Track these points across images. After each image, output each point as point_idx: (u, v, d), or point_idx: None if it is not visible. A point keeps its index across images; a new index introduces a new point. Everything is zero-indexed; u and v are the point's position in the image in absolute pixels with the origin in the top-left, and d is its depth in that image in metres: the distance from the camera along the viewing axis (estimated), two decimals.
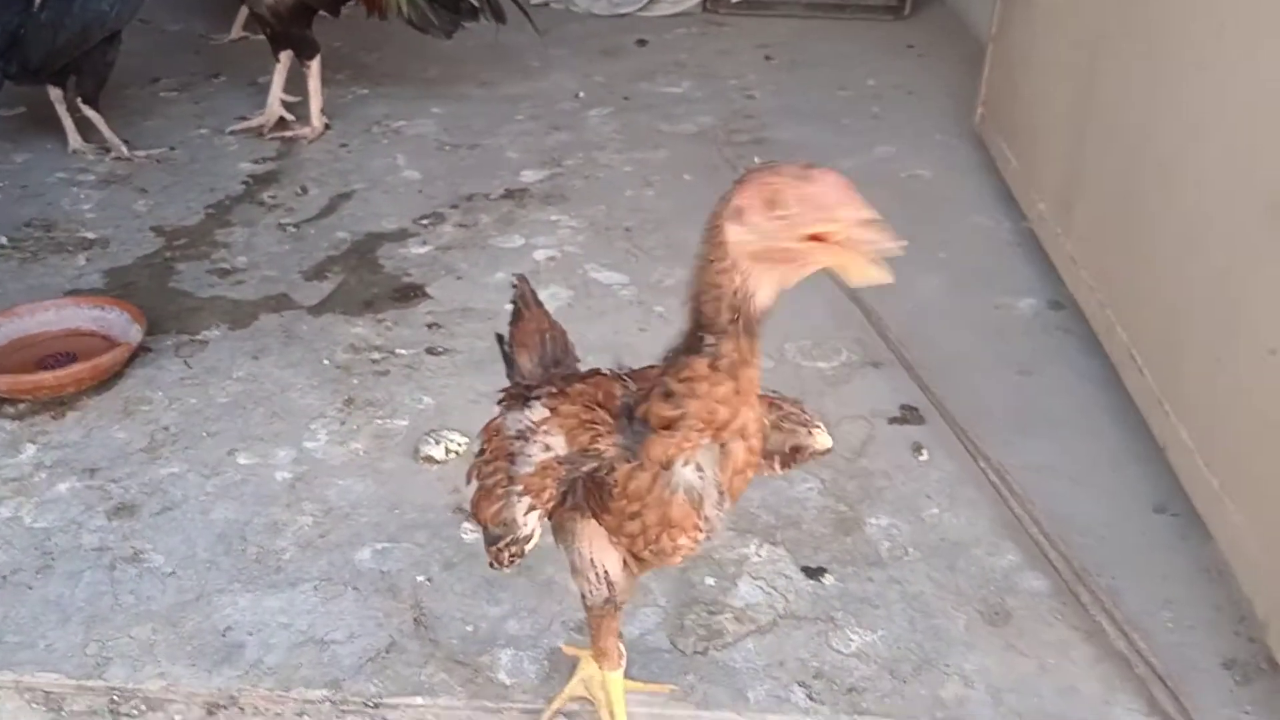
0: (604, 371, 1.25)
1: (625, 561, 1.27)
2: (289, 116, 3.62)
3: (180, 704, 1.59)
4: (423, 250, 2.86)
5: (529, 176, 3.29)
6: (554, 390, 1.23)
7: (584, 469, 1.16)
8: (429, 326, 2.50)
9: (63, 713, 1.59)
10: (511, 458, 1.20)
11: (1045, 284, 2.61)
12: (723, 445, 1.12)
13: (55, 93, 3.35)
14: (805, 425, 1.28)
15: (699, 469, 1.13)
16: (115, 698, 1.59)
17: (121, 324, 2.39)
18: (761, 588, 1.78)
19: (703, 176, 3.26)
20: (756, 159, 3.30)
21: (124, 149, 3.38)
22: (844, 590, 1.77)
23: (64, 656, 1.64)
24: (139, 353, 2.37)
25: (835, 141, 3.49)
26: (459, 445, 2.08)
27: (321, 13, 3.55)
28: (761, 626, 1.70)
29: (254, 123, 3.62)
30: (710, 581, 1.79)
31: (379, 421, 2.18)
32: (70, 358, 2.30)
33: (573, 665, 1.59)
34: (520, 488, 1.17)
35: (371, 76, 4.13)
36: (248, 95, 3.90)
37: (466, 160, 3.42)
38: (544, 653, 1.66)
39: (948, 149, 3.40)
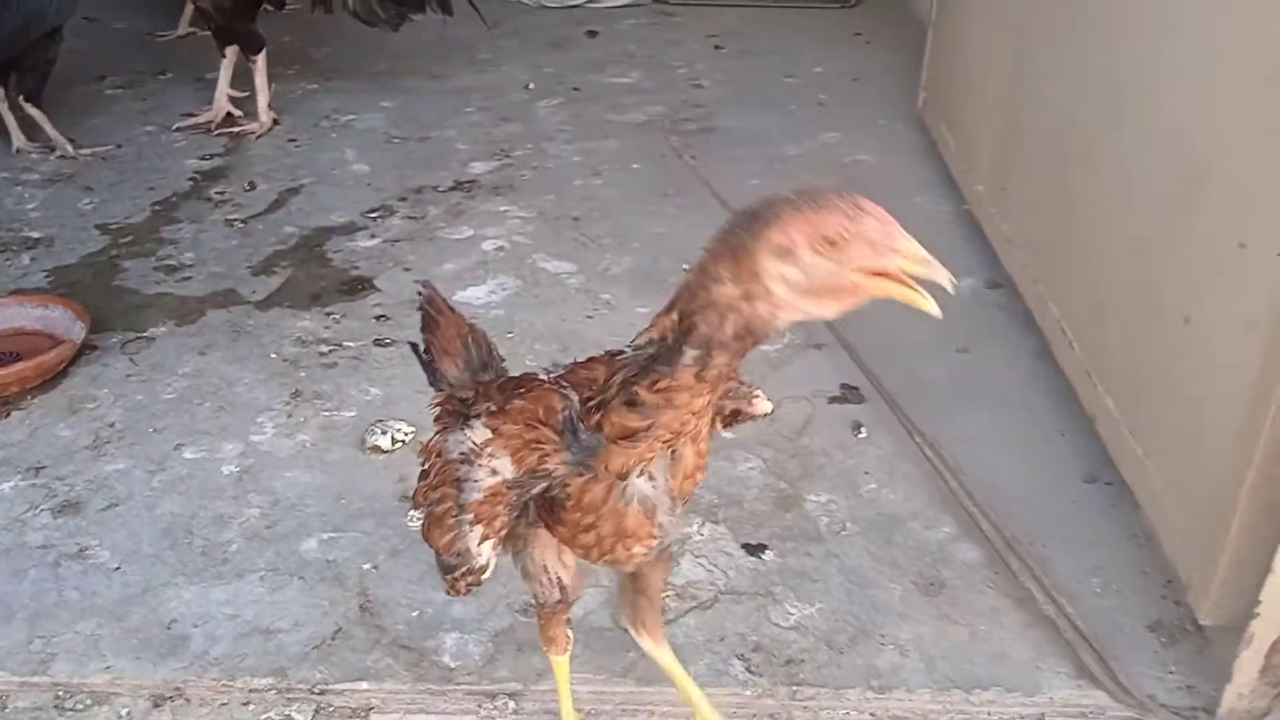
0: (539, 377, 1.21)
1: (576, 564, 1.26)
2: (236, 112, 3.61)
3: (126, 697, 1.60)
4: (371, 243, 2.86)
5: (478, 168, 3.30)
6: (493, 409, 1.19)
7: (534, 491, 1.14)
8: (377, 319, 2.52)
9: (7, 710, 1.59)
10: (459, 484, 1.16)
11: (983, 264, 2.66)
12: (673, 451, 1.11)
13: None
14: (746, 397, 1.30)
15: (651, 478, 1.13)
16: (60, 693, 1.60)
17: (65, 322, 2.38)
18: (703, 565, 1.81)
19: (651, 165, 3.29)
20: (697, 156, 3.33)
21: (69, 147, 3.35)
22: (783, 565, 1.81)
23: (7, 654, 1.65)
24: (84, 351, 2.36)
25: (782, 128, 3.53)
26: (406, 435, 2.09)
27: (267, 6, 3.54)
28: (702, 603, 1.74)
29: (201, 119, 3.60)
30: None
31: (326, 413, 2.19)
32: (14, 356, 2.29)
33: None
34: (471, 516, 1.14)
35: (320, 71, 4.12)
36: (195, 92, 3.88)
37: (415, 153, 3.43)
38: (489, 635, 1.68)
39: (891, 134, 3.45)
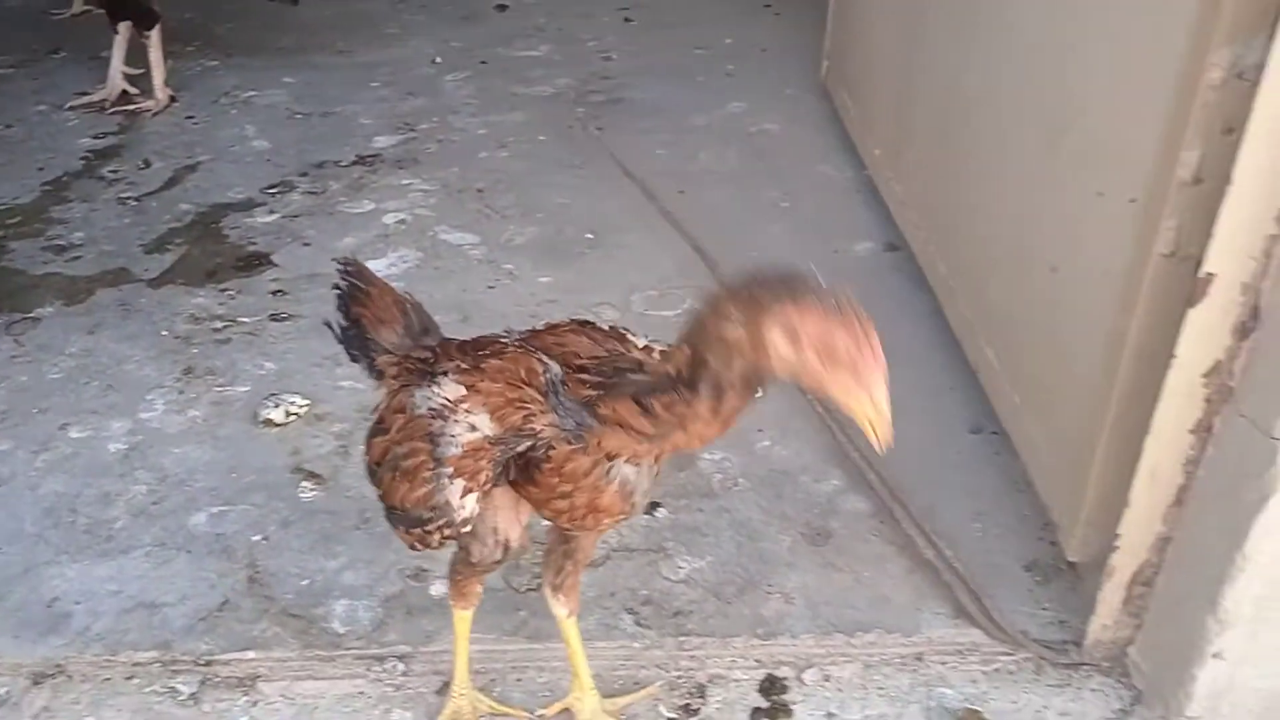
0: (501, 339, 1.23)
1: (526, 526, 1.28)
2: (132, 90, 3.51)
3: (5, 676, 1.57)
4: (269, 219, 2.82)
5: (382, 142, 3.26)
6: (464, 366, 1.20)
7: (518, 449, 1.16)
8: (274, 294, 2.48)
9: None
10: (432, 438, 1.17)
11: (882, 228, 2.71)
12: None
13: None
14: None
15: (636, 463, 1.17)
16: None
17: None
18: None
19: (557, 137, 3.28)
20: (603, 128, 3.33)
21: None
22: (676, 521, 1.84)
23: None
24: None
25: (689, 99, 3.54)
26: (300, 408, 2.07)
27: None
28: (595, 561, 1.75)
29: (95, 97, 3.51)
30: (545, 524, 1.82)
31: (218, 389, 2.16)
32: None
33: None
34: (450, 470, 1.15)
35: (222, 47, 4.03)
36: (89, 70, 3.76)
37: (318, 128, 3.37)
38: (379, 600, 1.68)
39: (797, 103, 3.49)
